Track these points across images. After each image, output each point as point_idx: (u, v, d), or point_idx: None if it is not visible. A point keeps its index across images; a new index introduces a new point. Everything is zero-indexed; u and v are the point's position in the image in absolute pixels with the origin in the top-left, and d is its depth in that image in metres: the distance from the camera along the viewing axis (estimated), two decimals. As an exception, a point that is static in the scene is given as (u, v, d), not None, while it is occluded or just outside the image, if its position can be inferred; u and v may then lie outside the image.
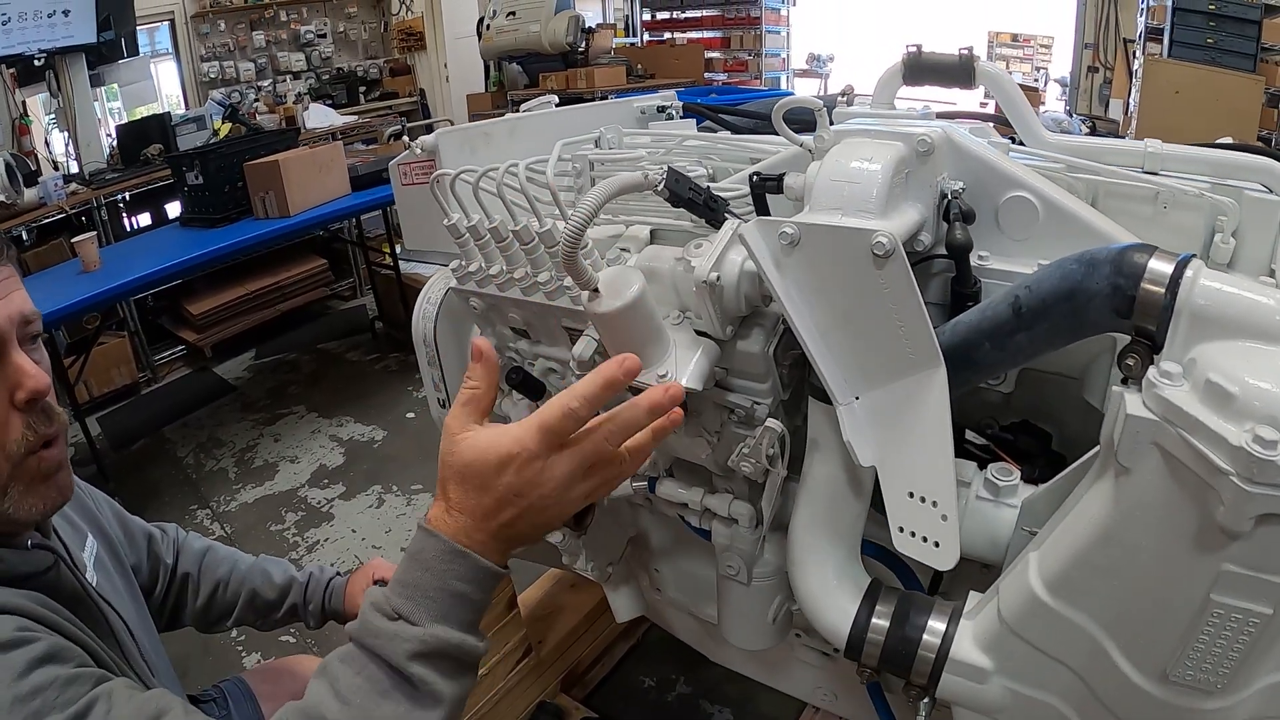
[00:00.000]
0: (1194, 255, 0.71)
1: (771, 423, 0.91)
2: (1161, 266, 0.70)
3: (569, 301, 1.10)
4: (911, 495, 0.81)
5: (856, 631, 0.91)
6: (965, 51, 1.11)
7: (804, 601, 0.96)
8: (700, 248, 0.93)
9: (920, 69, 1.14)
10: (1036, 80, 7.69)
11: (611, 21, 8.68)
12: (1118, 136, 5.23)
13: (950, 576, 1.09)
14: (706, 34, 8.38)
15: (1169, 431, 0.64)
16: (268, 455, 3.59)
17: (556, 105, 1.62)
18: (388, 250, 4.38)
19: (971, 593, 0.90)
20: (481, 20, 6.46)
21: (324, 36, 7.56)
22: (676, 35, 8.54)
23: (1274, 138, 5.09)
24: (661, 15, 8.68)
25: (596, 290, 0.85)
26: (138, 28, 5.51)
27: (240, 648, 2.50)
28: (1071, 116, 6.37)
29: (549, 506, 0.72)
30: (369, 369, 4.35)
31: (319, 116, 4.97)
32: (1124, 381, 0.72)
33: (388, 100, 7.68)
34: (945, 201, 0.95)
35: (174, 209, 4.41)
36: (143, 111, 5.96)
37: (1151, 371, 0.67)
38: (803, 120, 1.02)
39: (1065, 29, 6.78)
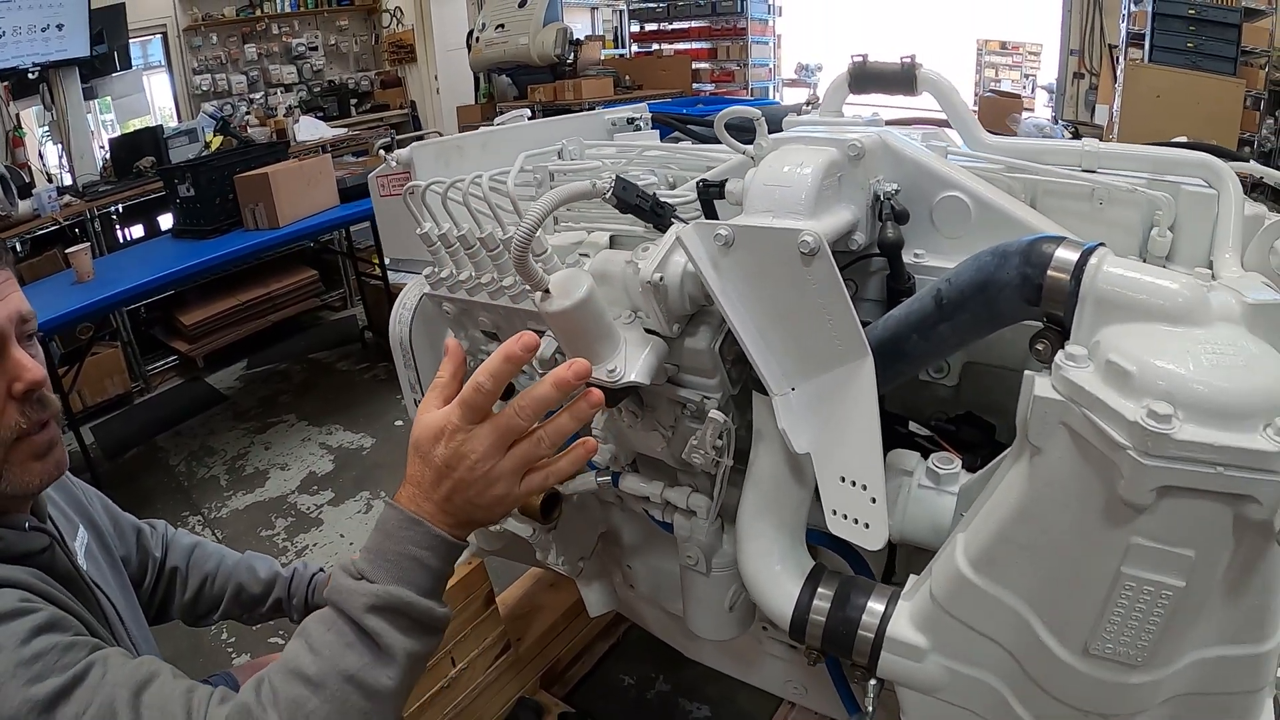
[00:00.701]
0: (1101, 244, 0.75)
1: (715, 414, 0.95)
2: (1068, 255, 0.74)
3: (531, 304, 1.15)
4: (843, 480, 0.86)
5: (799, 613, 0.95)
6: (907, 60, 1.16)
7: (751, 586, 1.00)
8: (647, 251, 0.98)
9: (865, 78, 1.20)
10: (1024, 87, 7.77)
11: (600, 34, 8.76)
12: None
13: (904, 564, 1.14)
14: (694, 45, 8.44)
15: (1074, 411, 0.68)
16: (258, 463, 3.63)
17: (530, 119, 1.68)
18: (376, 261, 4.43)
19: (911, 575, 0.94)
20: (471, 33, 6.52)
21: (315, 49, 7.63)
22: (664, 46, 8.60)
23: (1255, 140, 5.15)
24: (649, 27, 8.74)
25: (548, 291, 0.90)
26: (130, 40, 5.58)
27: (230, 649, 2.54)
28: (1057, 122, 6.44)
29: (478, 480, 0.79)
30: (358, 378, 4.40)
31: (309, 129, 5.03)
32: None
33: (379, 112, 7.75)
34: (879, 203, 1.00)
35: (166, 221, 4.45)
36: (135, 124, 6.01)
37: (1059, 355, 0.71)
38: (748, 129, 1.07)
39: (1052, 36, 6.85)
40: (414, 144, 1.42)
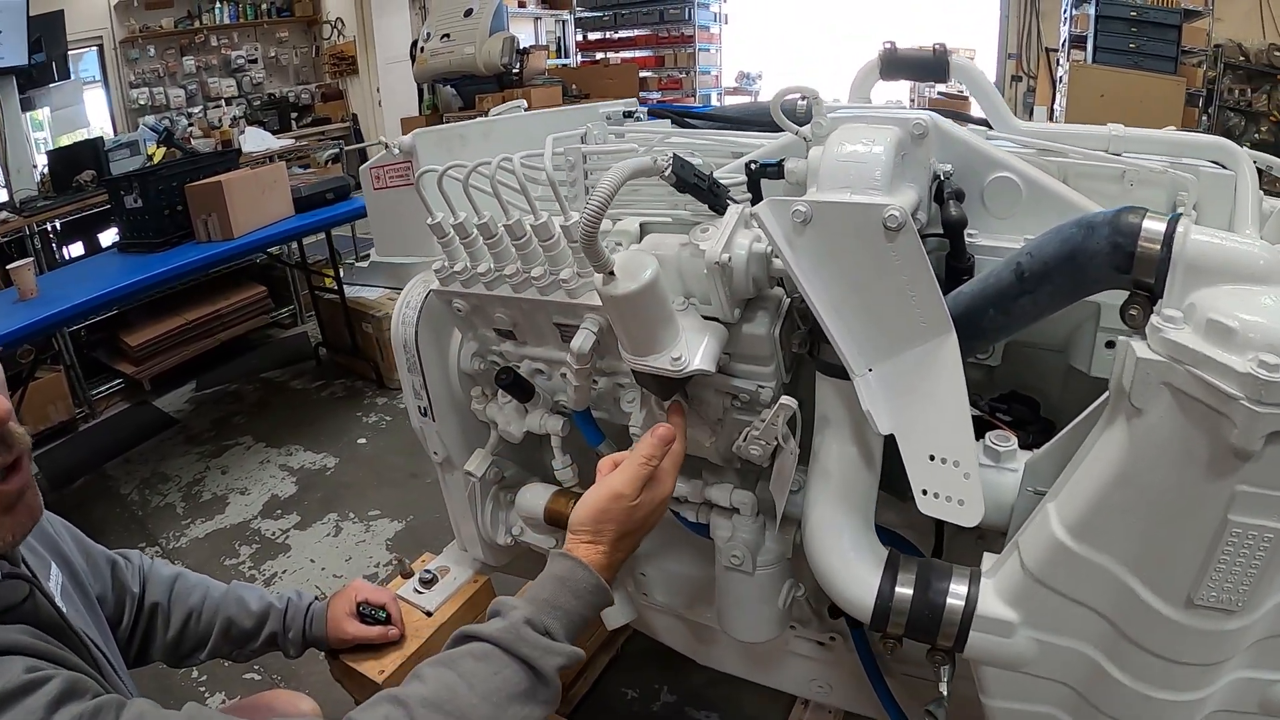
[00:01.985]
0: (1181, 214, 0.78)
1: (786, 399, 0.92)
2: (1155, 225, 0.75)
3: (564, 295, 1.10)
4: (932, 458, 0.84)
5: (882, 602, 0.92)
6: (939, 47, 1.16)
7: (825, 577, 0.97)
8: (706, 232, 0.95)
9: (896, 64, 1.19)
10: (961, 90, 7.97)
11: (544, 43, 8.73)
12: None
13: (947, 549, 1.13)
14: (640, 53, 8.48)
15: (1177, 370, 0.69)
16: (216, 488, 3.46)
17: (525, 109, 1.63)
18: (330, 276, 4.30)
19: (986, 554, 0.92)
20: (415, 43, 6.43)
21: (255, 62, 7.46)
22: (610, 55, 8.62)
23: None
24: (594, 35, 8.76)
25: (612, 273, 0.86)
26: (69, 51, 5.35)
27: (203, 688, 2.40)
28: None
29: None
30: (315, 396, 4.24)
31: (256, 140, 4.87)
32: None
33: (320, 126, 7.60)
34: (936, 182, 0.99)
35: (108, 237, 4.27)
36: (71, 139, 5.75)
37: (1154, 319, 0.73)
38: (790, 113, 1.04)
39: (989, 40, 7.06)
40: (416, 130, 1.36)
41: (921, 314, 0.83)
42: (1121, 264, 0.76)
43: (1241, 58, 5.46)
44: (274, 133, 6.75)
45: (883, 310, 0.84)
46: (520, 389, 1.26)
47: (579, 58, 8.76)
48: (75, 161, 4.79)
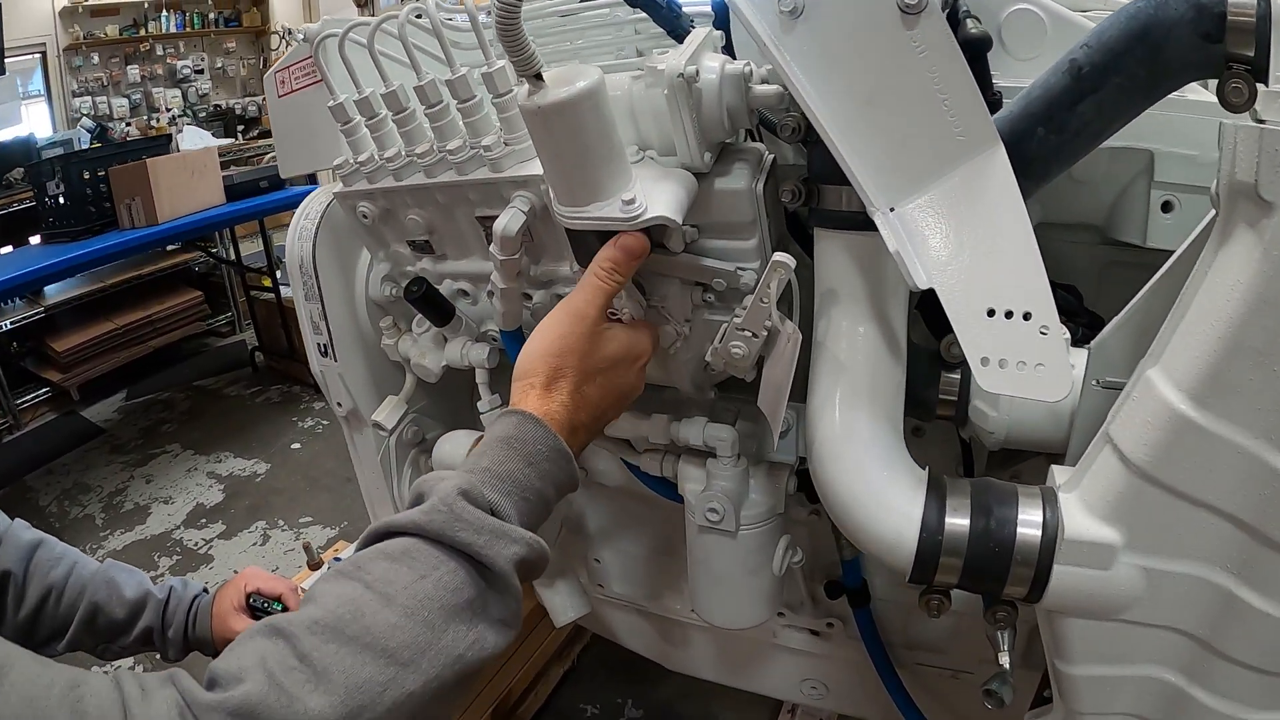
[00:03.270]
0: None
1: (780, 256, 0.69)
2: None
3: (487, 171, 0.87)
4: (992, 313, 0.60)
5: (928, 539, 0.67)
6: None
7: (845, 510, 0.72)
8: (665, 54, 0.72)
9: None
10: None
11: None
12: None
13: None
14: None
15: None
16: (139, 498, 3.25)
17: None
18: (268, 279, 4.03)
19: (1054, 467, 0.69)
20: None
21: (201, 72, 7.21)
22: None
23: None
24: None
25: (540, 77, 0.63)
26: (6, 57, 5.06)
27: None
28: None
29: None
30: (249, 402, 3.99)
31: (194, 139, 4.58)
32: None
33: (267, 138, 7.31)
34: (950, 4, 0.79)
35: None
36: (6, 134, 5.44)
37: (1267, 89, 0.55)
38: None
39: None
40: (325, 18, 1.13)
41: (958, 122, 0.61)
42: (1210, 29, 0.58)
43: None
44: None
45: (905, 123, 0.62)
46: (435, 307, 1.02)
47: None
48: (6, 160, 4.53)
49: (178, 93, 7.06)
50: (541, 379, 0.69)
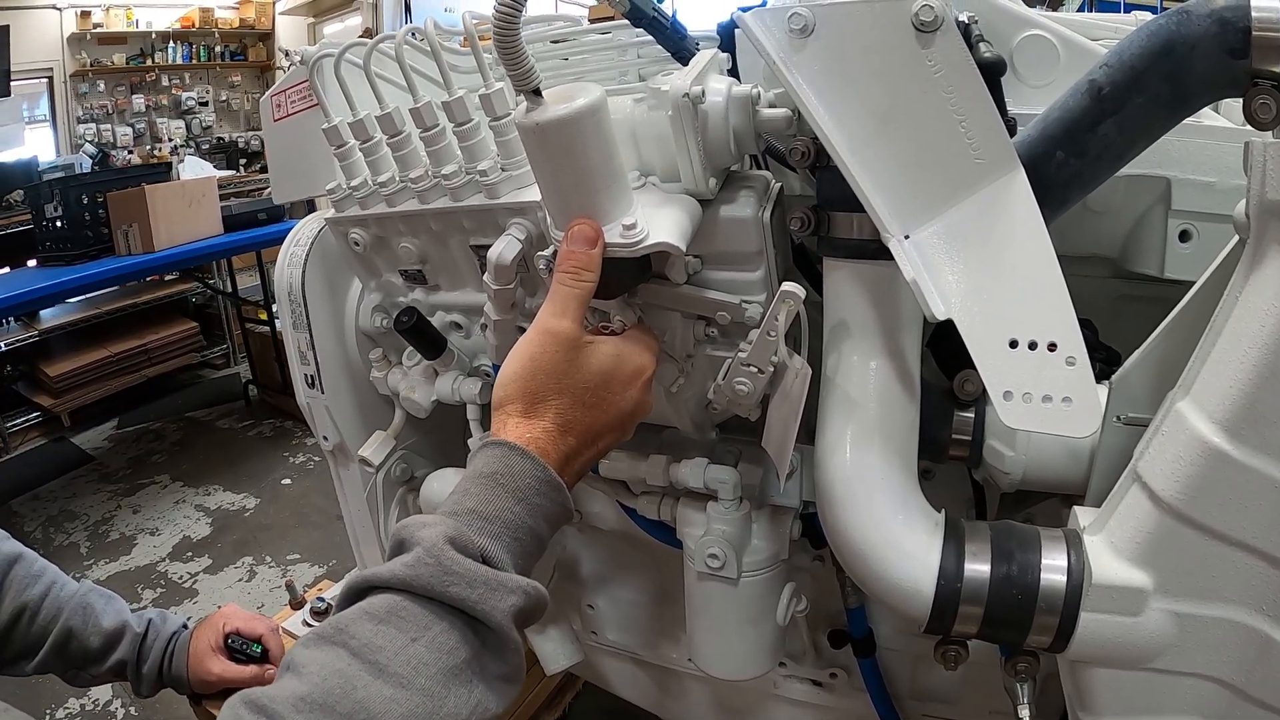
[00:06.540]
0: None
1: (789, 286, 0.65)
2: None
3: (482, 197, 0.85)
4: (1015, 344, 0.57)
5: (946, 587, 0.63)
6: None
7: (857, 556, 0.68)
8: (669, 75, 0.70)
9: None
10: None
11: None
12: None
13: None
14: None
15: None
16: (125, 528, 3.18)
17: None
18: (264, 311, 4.00)
19: (1076, 509, 0.65)
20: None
21: (205, 104, 7.26)
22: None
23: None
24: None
25: (538, 93, 0.60)
26: (12, 81, 5.09)
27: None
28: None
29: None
30: (241, 435, 3.94)
31: (195, 168, 4.58)
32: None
33: (268, 173, 7.35)
34: (963, 29, 0.76)
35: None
36: (8, 157, 5.46)
37: None
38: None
39: None
40: (324, 40, 1.11)
41: (976, 144, 0.58)
42: (1235, 44, 0.55)
43: None
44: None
45: (923, 145, 0.59)
46: (426, 339, 0.99)
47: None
48: (7, 181, 4.55)
49: (181, 124, 7.10)
50: (519, 405, 0.63)
